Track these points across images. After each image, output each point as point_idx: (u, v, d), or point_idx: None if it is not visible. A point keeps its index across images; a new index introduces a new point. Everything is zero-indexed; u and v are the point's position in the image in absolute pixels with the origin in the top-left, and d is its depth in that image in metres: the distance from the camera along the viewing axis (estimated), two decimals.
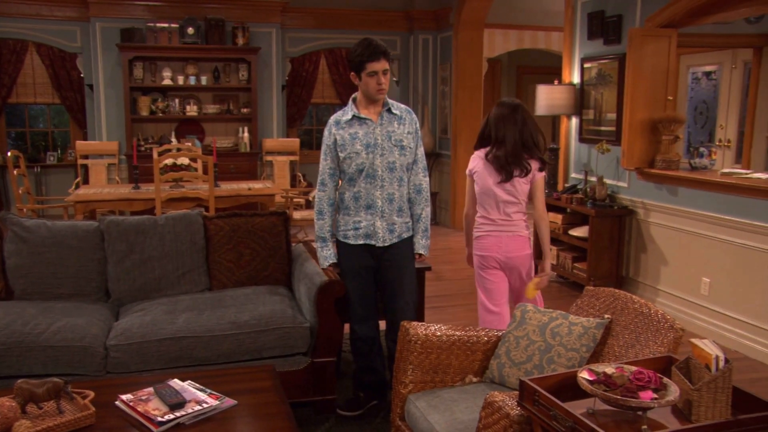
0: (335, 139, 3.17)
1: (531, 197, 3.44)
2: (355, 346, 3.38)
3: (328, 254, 3.28)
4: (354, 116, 3.16)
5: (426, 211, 3.32)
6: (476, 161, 3.47)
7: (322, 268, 3.34)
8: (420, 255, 3.37)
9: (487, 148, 3.40)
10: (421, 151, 3.30)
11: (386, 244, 3.20)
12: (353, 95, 3.24)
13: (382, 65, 3.05)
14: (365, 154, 3.12)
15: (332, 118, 3.23)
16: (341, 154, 3.16)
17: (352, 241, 3.22)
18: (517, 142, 3.33)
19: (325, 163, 3.24)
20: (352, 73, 3.13)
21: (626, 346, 2.42)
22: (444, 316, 4.96)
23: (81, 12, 7.76)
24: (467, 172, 3.56)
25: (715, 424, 1.74)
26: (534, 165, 3.37)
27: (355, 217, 3.20)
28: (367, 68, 3.04)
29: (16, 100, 9.16)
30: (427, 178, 3.32)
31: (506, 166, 3.33)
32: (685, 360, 1.96)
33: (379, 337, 3.40)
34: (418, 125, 3.29)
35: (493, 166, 3.36)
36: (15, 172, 6.43)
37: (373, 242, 3.20)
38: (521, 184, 3.38)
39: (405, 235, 3.27)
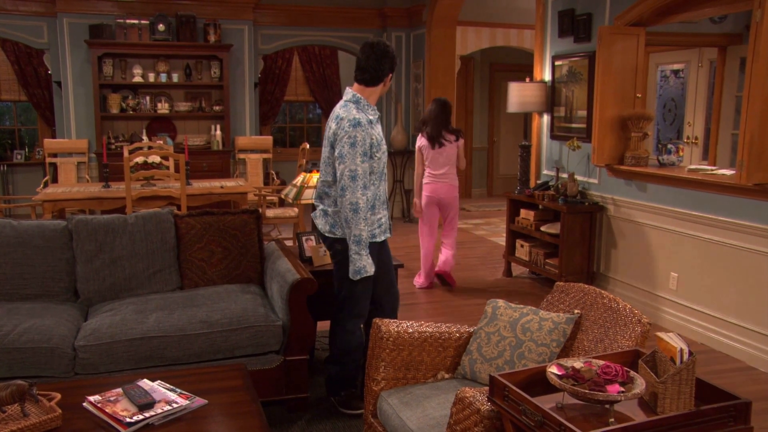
0: (372, 141, 3.13)
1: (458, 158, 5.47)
2: (358, 346, 3.35)
3: (372, 260, 3.18)
4: (378, 116, 3.25)
5: None
6: (421, 139, 5.47)
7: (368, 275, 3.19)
8: None
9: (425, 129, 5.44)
10: None
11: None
12: (358, 96, 3.17)
13: None
14: (385, 156, 3.27)
15: (361, 118, 3.09)
16: (377, 155, 3.17)
17: (379, 238, 3.26)
18: (437, 125, 5.35)
19: (365, 165, 3.09)
20: (390, 75, 3.23)
21: (595, 341, 2.46)
22: (416, 313, 4.98)
23: (48, 7, 7.62)
24: (417, 147, 5.50)
25: (678, 415, 1.77)
26: (451, 137, 5.38)
27: (378, 214, 3.26)
28: (394, 71, 3.26)
29: None
30: None
31: (433, 139, 5.36)
32: (651, 353, 2.00)
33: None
34: None
35: (427, 140, 5.39)
36: None
37: (388, 234, 3.35)
38: (449, 150, 5.39)
39: None
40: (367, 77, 3.16)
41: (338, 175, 3.11)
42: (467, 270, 6.38)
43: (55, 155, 7.62)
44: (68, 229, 3.57)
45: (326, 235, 3.28)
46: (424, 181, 5.47)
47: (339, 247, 3.25)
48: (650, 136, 6.84)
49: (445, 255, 5.61)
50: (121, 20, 7.61)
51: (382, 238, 3.29)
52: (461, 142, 5.43)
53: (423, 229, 5.57)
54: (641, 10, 4.87)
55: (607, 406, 1.83)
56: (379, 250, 3.29)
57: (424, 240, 5.57)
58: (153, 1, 7.80)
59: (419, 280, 5.70)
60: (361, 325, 3.43)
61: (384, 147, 3.24)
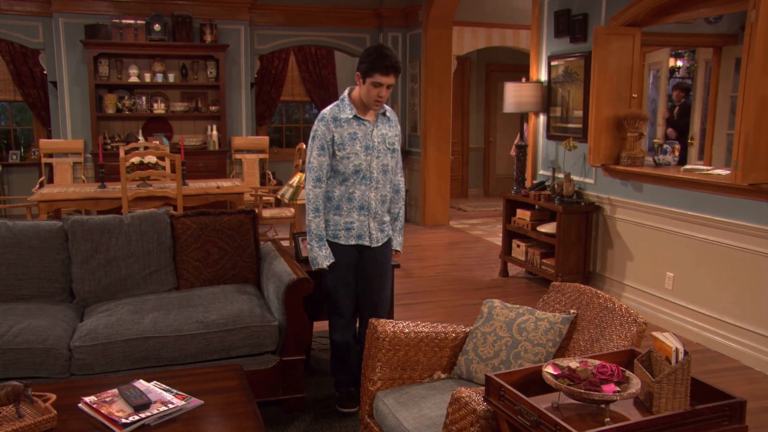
0: (333, 137, 3.11)
1: None
2: (337, 348, 3.33)
3: (327, 253, 3.17)
4: (355, 116, 3.12)
5: (402, 210, 3.44)
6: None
7: (320, 268, 3.20)
8: (396, 251, 3.44)
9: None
10: (400, 151, 3.39)
11: (378, 245, 3.25)
12: (347, 91, 3.17)
13: (389, 80, 3.04)
14: (363, 156, 3.12)
15: (328, 114, 3.14)
16: (339, 153, 3.11)
17: (343, 242, 3.18)
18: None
19: (322, 159, 3.13)
20: (358, 73, 3.09)
21: (591, 341, 2.46)
22: (413, 314, 4.98)
23: (43, 7, 7.60)
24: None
25: (674, 414, 1.78)
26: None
27: (347, 217, 3.16)
28: (375, 77, 3.01)
29: None
30: (403, 178, 3.47)
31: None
32: (647, 353, 2.00)
33: (356, 336, 3.40)
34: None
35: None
36: None
37: (366, 243, 3.21)
38: None
39: (389, 234, 3.34)
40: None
41: None
42: (463, 270, 6.38)
43: (50, 155, 7.60)
44: (64, 229, 3.57)
45: None
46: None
47: None
48: (645, 136, 6.85)
49: None
50: (117, 20, 7.59)
51: (348, 243, 3.19)
52: None
53: None
54: (637, 11, 4.88)
55: (602, 405, 1.84)
56: (343, 254, 3.20)
57: None
58: (149, 1, 7.79)
59: None
60: (353, 329, 3.38)
61: (356, 149, 3.10)
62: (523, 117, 6.48)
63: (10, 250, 3.42)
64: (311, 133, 3.18)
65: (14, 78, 8.88)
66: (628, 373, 1.93)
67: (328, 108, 3.19)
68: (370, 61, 3.01)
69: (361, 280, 3.33)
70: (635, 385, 1.86)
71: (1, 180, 8.99)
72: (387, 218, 3.30)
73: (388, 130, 3.22)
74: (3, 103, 9.26)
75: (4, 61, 8.84)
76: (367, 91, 3.06)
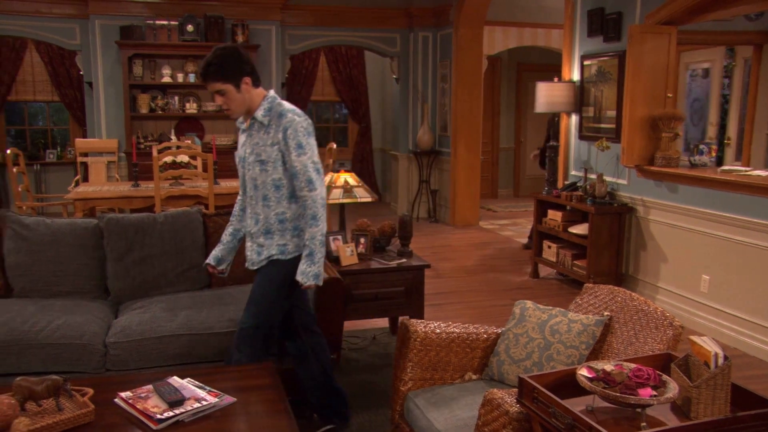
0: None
1: None
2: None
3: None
4: (241, 129, 2.90)
5: (311, 232, 2.72)
6: None
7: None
8: (300, 283, 2.76)
9: None
10: (302, 160, 2.70)
11: (254, 268, 2.91)
12: None
13: (210, 86, 2.72)
14: (240, 169, 2.88)
15: None
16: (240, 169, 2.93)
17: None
18: None
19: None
20: None
21: (625, 344, 2.43)
22: (443, 314, 4.96)
23: (80, 9, 7.75)
24: None
25: (713, 421, 1.74)
26: None
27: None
28: None
29: (15, 98, 9.19)
30: (315, 192, 2.71)
31: None
32: (684, 357, 1.97)
33: (307, 356, 3.05)
34: (294, 130, 2.70)
35: None
36: (14, 169, 6.42)
37: (247, 264, 2.94)
38: None
39: (277, 257, 2.83)
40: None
41: None
42: (494, 271, 6.34)
43: (86, 155, 7.74)
44: (99, 227, 3.63)
45: None
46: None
47: None
48: (680, 137, 6.73)
49: None
50: (151, 21, 7.70)
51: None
52: None
53: None
54: (673, 9, 4.79)
55: (638, 410, 1.81)
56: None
57: None
58: (182, 3, 7.89)
59: None
60: (296, 348, 3.08)
61: (236, 162, 2.91)
62: (551, 119, 6.33)
63: (49, 247, 3.50)
64: None
65: (52, 79, 9.08)
66: (664, 377, 1.90)
67: None
68: None
69: None
70: (672, 389, 1.83)
71: (38, 178, 9.21)
72: (269, 241, 2.81)
73: (260, 139, 2.74)
74: (41, 104, 9.48)
75: (43, 62, 9.04)
76: None
